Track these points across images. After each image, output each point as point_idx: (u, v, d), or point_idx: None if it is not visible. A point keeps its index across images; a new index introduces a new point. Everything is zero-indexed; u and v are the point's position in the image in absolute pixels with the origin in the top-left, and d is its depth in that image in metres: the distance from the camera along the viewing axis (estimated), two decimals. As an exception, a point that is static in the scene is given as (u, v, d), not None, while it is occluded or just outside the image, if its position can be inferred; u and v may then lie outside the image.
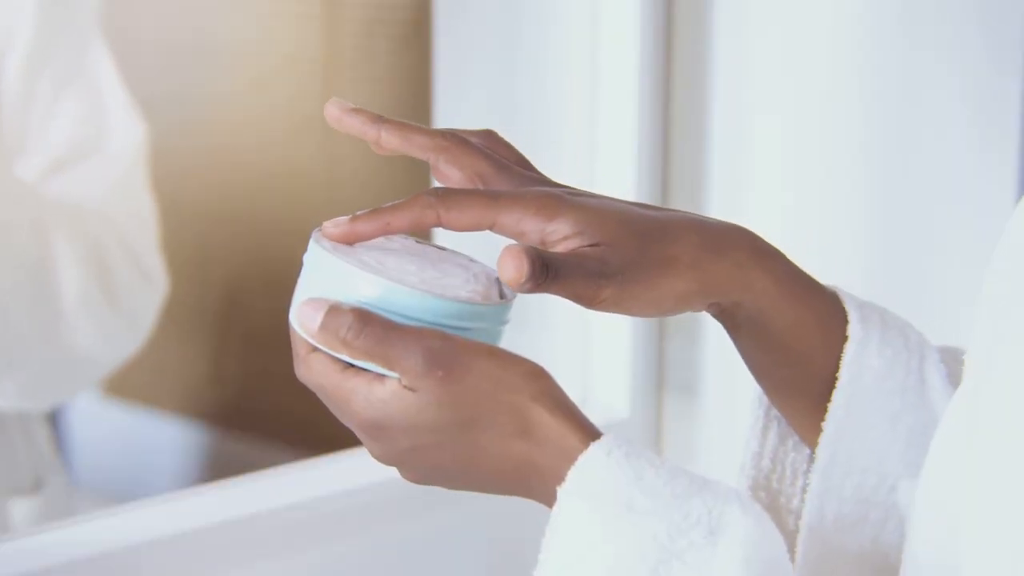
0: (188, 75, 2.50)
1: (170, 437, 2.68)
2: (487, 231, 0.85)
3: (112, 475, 2.72)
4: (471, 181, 0.87)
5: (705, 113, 1.59)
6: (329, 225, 0.83)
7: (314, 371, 0.82)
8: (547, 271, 0.81)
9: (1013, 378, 0.72)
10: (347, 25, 2.40)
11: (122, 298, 1.62)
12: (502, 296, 0.84)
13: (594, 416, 1.66)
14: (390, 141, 0.87)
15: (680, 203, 1.62)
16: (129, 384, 2.16)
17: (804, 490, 0.91)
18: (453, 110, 1.61)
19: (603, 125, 1.60)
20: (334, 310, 0.81)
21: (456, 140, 0.87)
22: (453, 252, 0.87)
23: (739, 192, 1.56)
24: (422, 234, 0.88)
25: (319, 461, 1.42)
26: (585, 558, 0.77)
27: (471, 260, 0.87)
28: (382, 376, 0.81)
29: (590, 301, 0.84)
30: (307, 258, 0.84)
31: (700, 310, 0.87)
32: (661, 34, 1.59)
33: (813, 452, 0.90)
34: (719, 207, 1.58)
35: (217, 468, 2.62)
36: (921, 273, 1.48)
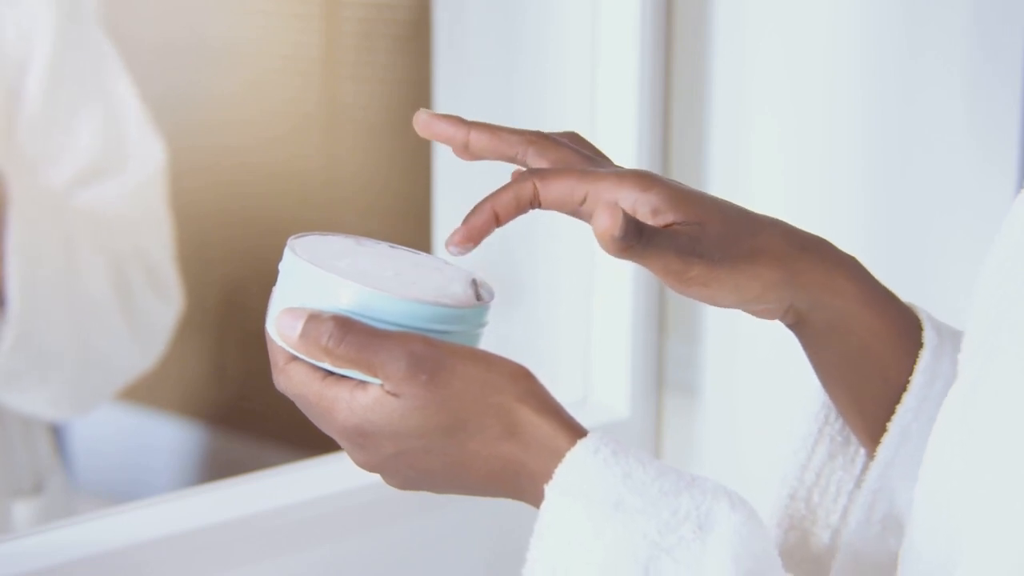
0: (188, 75, 2.50)
1: (170, 437, 2.68)
2: (576, 208, 0.85)
3: (112, 475, 2.72)
4: None
5: (705, 113, 1.60)
6: (450, 238, 0.85)
7: (294, 381, 0.82)
8: (640, 235, 0.81)
9: (1012, 373, 0.72)
10: (347, 25, 2.40)
11: (138, 314, 1.63)
12: (479, 298, 0.84)
13: (594, 416, 1.66)
14: (479, 140, 0.88)
15: (680, 203, 1.62)
16: (129, 385, 2.16)
17: (846, 509, 0.91)
18: (453, 110, 1.61)
19: (603, 125, 1.60)
20: (314, 318, 0.80)
21: (543, 136, 0.89)
22: (428, 256, 0.87)
23: (739, 192, 1.56)
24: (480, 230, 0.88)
25: (319, 461, 1.42)
26: (575, 556, 0.77)
27: (445, 263, 0.87)
28: (364, 383, 0.80)
29: (678, 276, 0.84)
30: (283, 267, 0.84)
31: (778, 314, 0.88)
32: (661, 34, 1.59)
33: (870, 460, 0.90)
34: (719, 207, 1.58)
35: (217, 468, 2.62)
36: (921, 273, 1.47)
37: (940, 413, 0.80)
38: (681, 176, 1.62)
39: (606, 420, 1.61)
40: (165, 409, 2.68)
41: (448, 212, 1.62)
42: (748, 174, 1.56)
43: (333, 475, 1.40)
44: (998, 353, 0.73)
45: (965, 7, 1.42)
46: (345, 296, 0.81)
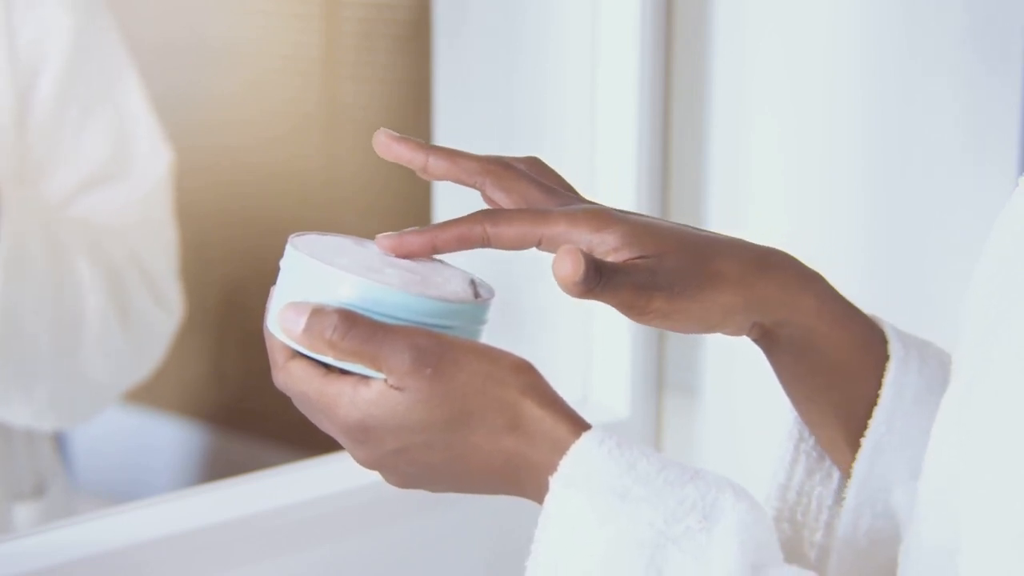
0: (188, 75, 2.51)
1: (170, 437, 2.68)
2: (533, 248, 0.85)
3: (112, 475, 2.72)
4: (518, 205, 0.88)
5: (705, 113, 1.60)
6: (382, 237, 0.85)
7: (295, 377, 0.82)
8: (600, 276, 0.81)
9: (1012, 373, 0.72)
10: (347, 25, 2.41)
11: (135, 323, 1.63)
12: (478, 297, 0.84)
13: (594, 416, 1.66)
14: (437, 166, 0.88)
15: (680, 204, 1.62)
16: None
17: (828, 525, 0.91)
18: (453, 110, 1.61)
19: (603, 126, 1.60)
20: (318, 312, 0.80)
21: (503, 165, 0.88)
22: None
23: (738, 193, 1.56)
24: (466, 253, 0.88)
25: (319, 461, 1.42)
26: (581, 546, 0.78)
27: (443, 263, 0.87)
28: (367, 378, 0.80)
29: (640, 312, 0.85)
30: (284, 263, 0.84)
31: (743, 332, 0.88)
32: (661, 34, 1.59)
33: (845, 477, 0.90)
34: (718, 208, 1.59)
35: (217, 468, 2.63)
36: (920, 273, 1.48)
37: (938, 414, 0.80)
38: (681, 177, 1.62)
39: (606, 420, 1.61)
40: (165, 409, 2.68)
41: (448, 212, 1.62)
42: (748, 174, 1.56)
43: (333, 475, 1.40)
44: (997, 352, 0.73)
45: (965, 8, 1.42)
46: (347, 290, 0.81)
